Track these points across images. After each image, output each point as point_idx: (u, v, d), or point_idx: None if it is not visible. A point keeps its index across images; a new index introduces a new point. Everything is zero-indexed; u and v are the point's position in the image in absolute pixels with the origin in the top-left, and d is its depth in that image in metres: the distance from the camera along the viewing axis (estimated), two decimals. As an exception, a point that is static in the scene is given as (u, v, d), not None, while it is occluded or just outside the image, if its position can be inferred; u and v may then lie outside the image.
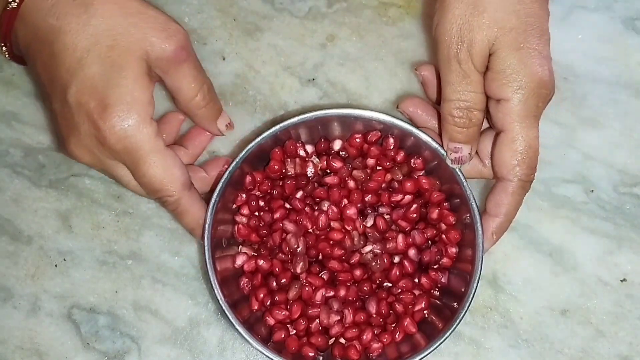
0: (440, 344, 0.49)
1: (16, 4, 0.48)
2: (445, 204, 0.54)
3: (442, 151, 0.52)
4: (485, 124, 0.53)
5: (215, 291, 0.50)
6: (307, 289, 0.52)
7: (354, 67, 0.60)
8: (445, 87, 0.50)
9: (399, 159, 0.54)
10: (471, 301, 0.50)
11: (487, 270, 0.51)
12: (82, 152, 0.49)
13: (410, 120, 0.55)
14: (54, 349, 0.55)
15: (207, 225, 0.50)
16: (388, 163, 0.54)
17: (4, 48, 0.51)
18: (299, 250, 0.52)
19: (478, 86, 0.49)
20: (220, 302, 0.50)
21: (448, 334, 0.49)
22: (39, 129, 0.59)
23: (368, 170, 0.54)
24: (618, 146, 0.58)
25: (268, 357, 0.50)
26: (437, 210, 0.53)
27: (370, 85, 0.59)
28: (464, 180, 0.51)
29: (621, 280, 0.56)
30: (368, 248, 0.53)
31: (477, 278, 0.50)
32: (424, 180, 0.53)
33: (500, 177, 0.51)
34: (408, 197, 0.54)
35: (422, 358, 0.49)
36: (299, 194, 0.53)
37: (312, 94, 0.59)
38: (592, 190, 0.58)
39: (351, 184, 0.54)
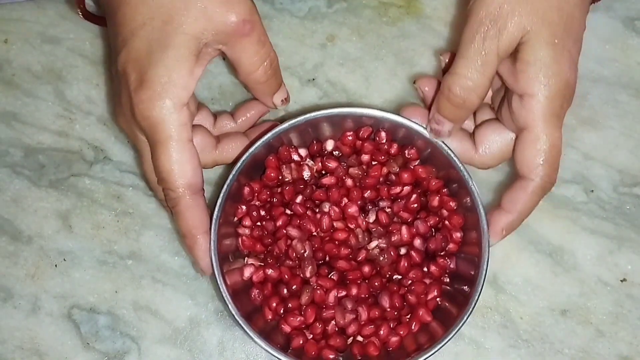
0: (462, 325, 0.49)
1: None
2: (444, 190, 0.54)
3: (435, 139, 0.52)
4: (490, 115, 0.53)
5: (230, 307, 0.50)
6: (318, 292, 0.52)
7: (354, 67, 0.60)
8: (457, 60, 0.48)
9: (392, 152, 0.54)
10: (484, 282, 0.50)
11: (487, 270, 0.51)
12: (120, 118, 0.50)
13: (423, 99, 0.55)
14: (54, 349, 0.55)
15: (212, 243, 0.50)
16: (383, 157, 0.54)
17: (78, 10, 0.54)
18: (306, 254, 0.52)
19: (489, 72, 0.48)
20: (236, 316, 0.50)
21: (467, 316, 0.50)
22: (39, 129, 0.59)
23: (364, 167, 0.54)
24: (618, 146, 0.58)
25: None
26: (437, 198, 0.53)
27: (370, 85, 0.59)
28: (460, 165, 0.51)
29: (621, 280, 0.56)
30: (374, 244, 0.53)
31: (487, 259, 0.50)
32: (420, 170, 0.54)
33: (521, 175, 0.50)
34: (407, 188, 0.54)
35: (445, 341, 0.50)
36: (299, 199, 0.53)
37: (312, 94, 0.59)
38: (592, 190, 0.58)
39: (349, 182, 0.54)
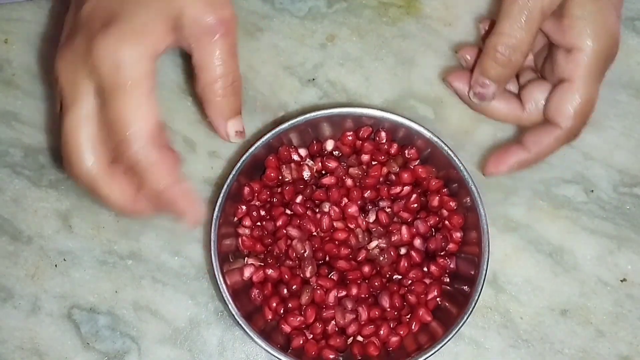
0: (462, 325, 0.50)
1: None
2: (444, 190, 0.54)
3: (435, 139, 0.52)
4: (533, 76, 0.53)
5: (230, 307, 0.50)
6: (318, 292, 0.52)
7: (354, 67, 0.60)
8: (501, 20, 0.48)
9: (392, 152, 0.54)
10: (484, 282, 0.50)
11: (487, 270, 0.51)
12: (61, 62, 0.43)
13: (456, 93, 0.54)
14: (54, 349, 0.55)
15: (212, 243, 0.50)
16: (382, 157, 0.54)
17: None
18: (306, 254, 0.52)
19: (534, 29, 0.48)
20: (236, 316, 0.50)
21: (467, 316, 0.50)
22: (39, 129, 0.59)
23: (364, 167, 0.54)
24: (618, 146, 0.58)
25: None
26: (437, 198, 0.53)
27: (370, 85, 0.59)
28: (460, 165, 0.51)
29: (621, 280, 0.56)
30: (374, 244, 0.53)
31: (487, 259, 0.50)
32: (420, 170, 0.54)
33: (550, 121, 0.50)
34: (407, 188, 0.54)
35: (445, 341, 0.50)
36: (299, 199, 0.53)
37: (312, 94, 0.59)
38: (592, 190, 0.58)
39: (349, 182, 0.54)
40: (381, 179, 0.54)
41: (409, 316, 0.53)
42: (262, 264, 0.54)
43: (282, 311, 0.53)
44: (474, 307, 0.50)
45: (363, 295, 0.53)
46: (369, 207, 0.54)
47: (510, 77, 0.50)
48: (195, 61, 0.45)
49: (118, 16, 0.42)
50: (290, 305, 0.52)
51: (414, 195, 0.54)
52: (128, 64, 0.42)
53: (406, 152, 0.54)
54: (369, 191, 0.54)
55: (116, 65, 0.41)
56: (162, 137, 0.43)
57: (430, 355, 0.50)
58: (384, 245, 0.53)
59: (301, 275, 0.53)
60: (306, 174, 0.55)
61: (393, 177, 0.54)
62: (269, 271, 0.53)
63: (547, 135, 0.50)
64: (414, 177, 0.54)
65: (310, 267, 0.52)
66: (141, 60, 0.42)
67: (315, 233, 0.53)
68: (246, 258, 0.54)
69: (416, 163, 0.55)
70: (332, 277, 0.53)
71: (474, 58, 0.53)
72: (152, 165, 0.43)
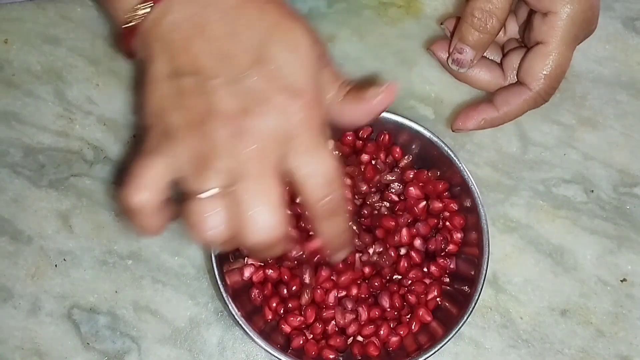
0: (462, 325, 0.50)
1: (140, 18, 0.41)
2: (445, 193, 0.54)
3: (435, 139, 0.52)
4: (513, 44, 0.53)
5: (230, 307, 0.50)
6: (318, 292, 0.52)
7: (354, 67, 0.60)
8: None
9: (395, 154, 0.54)
10: (484, 282, 0.50)
11: (487, 270, 0.51)
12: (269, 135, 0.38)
13: (441, 63, 0.56)
14: (54, 349, 0.55)
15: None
16: (381, 164, 0.54)
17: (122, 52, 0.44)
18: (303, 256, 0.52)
19: None
20: (236, 316, 0.50)
21: (467, 316, 0.50)
22: (39, 129, 0.59)
23: (362, 167, 0.54)
24: (618, 146, 0.58)
25: None
26: (440, 202, 0.53)
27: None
28: (460, 165, 0.51)
29: (621, 280, 0.56)
30: (371, 251, 0.53)
31: (487, 259, 0.51)
32: (425, 178, 0.54)
33: (521, 82, 0.51)
34: (417, 200, 0.54)
35: (445, 341, 0.50)
36: (298, 199, 0.53)
37: (312, 94, 0.59)
38: (592, 190, 0.58)
39: (347, 181, 0.54)
40: (379, 184, 0.55)
41: (409, 316, 0.53)
42: (262, 264, 0.54)
43: (282, 311, 0.53)
44: (474, 307, 0.50)
45: (363, 295, 0.53)
46: (367, 210, 0.54)
47: (488, 43, 0.51)
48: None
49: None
50: (290, 305, 0.52)
51: (423, 203, 0.53)
52: (323, 124, 0.40)
53: (406, 157, 0.54)
54: (366, 186, 0.54)
55: (321, 124, 0.40)
56: None
57: (430, 355, 0.50)
58: (381, 249, 0.53)
59: (300, 277, 0.53)
60: None
61: (396, 185, 0.54)
62: (269, 271, 0.53)
63: (516, 96, 0.51)
64: (423, 192, 0.54)
65: (309, 270, 0.52)
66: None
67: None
68: (246, 258, 0.54)
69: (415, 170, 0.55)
70: (332, 277, 0.53)
71: None
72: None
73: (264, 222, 0.38)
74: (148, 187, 0.38)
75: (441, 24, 0.56)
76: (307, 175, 0.39)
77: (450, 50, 0.51)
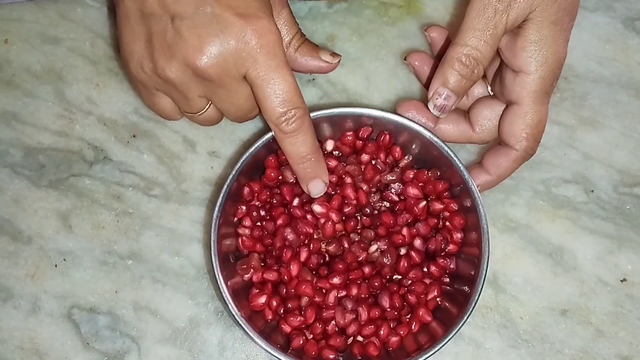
0: (462, 325, 0.50)
1: None
2: (445, 193, 0.54)
3: (435, 139, 0.52)
4: (481, 93, 0.53)
5: (230, 307, 0.50)
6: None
7: (354, 67, 0.60)
8: (466, 32, 0.49)
9: (395, 155, 0.54)
10: (484, 282, 0.50)
11: (487, 270, 0.51)
12: (214, 58, 0.47)
13: (415, 74, 0.56)
14: (54, 349, 0.55)
15: (212, 243, 0.50)
16: (381, 164, 0.54)
17: None
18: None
19: (496, 44, 0.49)
20: (236, 316, 0.50)
21: (467, 316, 0.50)
22: (39, 129, 0.59)
23: (362, 167, 0.54)
24: (618, 146, 0.58)
25: None
26: (440, 202, 0.53)
27: (370, 85, 0.59)
28: (460, 165, 0.51)
29: (621, 280, 0.56)
30: (373, 247, 0.53)
31: (487, 259, 0.51)
32: (425, 178, 0.54)
33: (505, 144, 0.51)
34: (417, 200, 0.54)
35: (445, 341, 0.50)
36: (296, 201, 0.53)
37: (312, 94, 0.59)
38: (592, 190, 0.58)
39: (348, 180, 0.54)
40: (379, 185, 0.55)
41: (409, 316, 0.53)
42: (262, 264, 0.54)
43: (282, 311, 0.53)
44: (474, 307, 0.50)
45: (363, 296, 0.53)
46: (368, 210, 0.54)
47: (468, 89, 0.51)
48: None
49: (241, 5, 0.46)
50: (290, 305, 0.52)
51: (423, 203, 0.53)
52: (274, 45, 0.47)
53: (406, 157, 0.54)
54: (365, 187, 0.54)
55: (268, 50, 0.46)
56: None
57: (430, 355, 0.50)
58: (384, 247, 0.53)
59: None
60: None
61: (396, 185, 0.54)
62: (269, 272, 0.53)
63: (504, 158, 0.51)
64: (422, 192, 0.54)
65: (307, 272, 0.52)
66: (279, 40, 0.47)
67: (316, 236, 0.53)
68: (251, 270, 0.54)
69: (416, 169, 0.55)
70: (334, 280, 0.53)
71: (441, 37, 0.55)
72: (307, 130, 0.49)
73: (239, 118, 0.52)
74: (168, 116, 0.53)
75: (405, 58, 0.56)
76: (264, 94, 0.47)
77: (431, 95, 0.51)
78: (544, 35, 0.48)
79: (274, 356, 0.50)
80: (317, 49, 0.53)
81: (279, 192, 0.54)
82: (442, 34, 0.56)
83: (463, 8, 0.58)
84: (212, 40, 0.46)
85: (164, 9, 0.46)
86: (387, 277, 0.53)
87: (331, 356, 0.52)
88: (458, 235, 0.54)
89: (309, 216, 0.53)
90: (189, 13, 0.46)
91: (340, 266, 0.52)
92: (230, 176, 0.51)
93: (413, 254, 0.53)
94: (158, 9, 0.46)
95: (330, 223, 0.53)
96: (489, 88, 0.54)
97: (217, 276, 0.50)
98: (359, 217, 0.54)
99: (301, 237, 0.53)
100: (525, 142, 0.51)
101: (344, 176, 0.54)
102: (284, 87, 0.47)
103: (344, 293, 0.53)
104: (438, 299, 0.53)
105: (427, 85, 0.54)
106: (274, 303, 0.52)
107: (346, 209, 0.53)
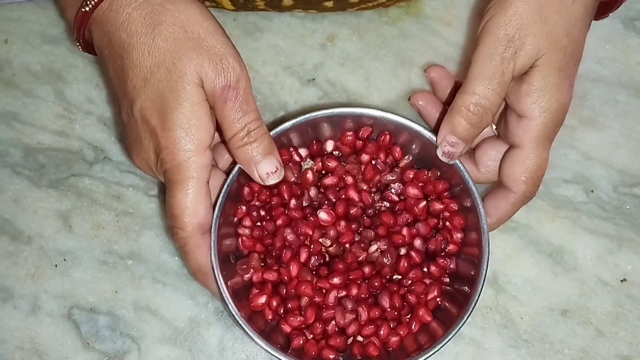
0: (462, 325, 0.50)
1: (89, 8, 0.48)
2: (445, 193, 0.54)
3: (435, 139, 0.52)
4: (487, 133, 0.53)
5: (230, 307, 0.50)
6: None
7: (354, 67, 0.60)
8: (474, 80, 0.48)
9: (395, 155, 0.54)
10: (484, 282, 0.50)
11: (487, 270, 0.51)
12: (142, 162, 0.50)
13: (419, 114, 0.57)
14: (54, 349, 0.55)
15: (212, 243, 0.50)
16: (381, 164, 0.54)
17: (77, 44, 0.52)
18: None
19: (504, 92, 0.49)
20: (236, 316, 0.50)
21: (467, 316, 0.50)
22: (39, 129, 0.59)
23: (362, 167, 0.54)
24: (618, 146, 0.58)
25: None
26: (440, 202, 0.53)
27: (370, 85, 0.59)
28: (460, 165, 0.51)
29: (621, 280, 0.56)
30: (374, 247, 0.53)
31: (487, 259, 0.51)
32: (425, 177, 0.54)
33: (505, 186, 0.51)
34: (417, 200, 0.54)
35: (445, 341, 0.50)
36: (293, 203, 0.53)
37: (312, 94, 0.59)
38: (592, 190, 0.58)
39: (349, 180, 0.54)
40: (379, 184, 0.55)
41: (409, 316, 0.53)
42: (262, 264, 0.54)
43: (282, 311, 0.53)
44: (474, 307, 0.50)
45: (363, 296, 0.53)
46: (370, 210, 0.54)
47: (477, 136, 0.51)
48: (218, 123, 0.50)
49: (165, 116, 0.47)
50: (290, 305, 0.52)
51: (423, 203, 0.53)
52: (184, 163, 0.47)
53: (406, 157, 0.54)
54: (366, 186, 0.54)
55: (175, 166, 0.48)
56: (207, 225, 0.49)
57: (430, 355, 0.50)
58: (385, 247, 0.53)
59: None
60: (309, 176, 0.55)
61: (397, 186, 0.54)
62: (269, 272, 0.53)
63: (504, 201, 0.51)
64: (422, 192, 0.54)
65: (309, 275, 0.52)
66: (193, 156, 0.47)
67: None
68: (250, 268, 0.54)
69: (416, 169, 0.55)
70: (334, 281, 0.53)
71: (441, 77, 0.56)
72: (187, 252, 0.50)
73: None
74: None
75: (409, 98, 0.57)
76: (167, 200, 0.49)
77: (439, 142, 0.51)
78: (549, 82, 0.48)
79: (274, 356, 0.50)
80: (261, 156, 0.50)
81: (277, 192, 0.54)
82: (442, 73, 0.57)
83: (463, 8, 0.58)
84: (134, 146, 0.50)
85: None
86: (387, 277, 0.53)
87: (331, 356, 0.51)
88: (458, 235, 0.54)
89: (311, 217, 0.53)
90: (125, 121, 0.50)
91: (340, 266, 0.52)
92: (230, 176, 0.51)
93: (413, 254, 0.53)
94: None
95: (334, 231, 0.53)
96: (494, 127, 0.54)
97: (217, 276, 0.50)
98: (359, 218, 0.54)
99: (300, 237, 0.53)
100: (524, 186, 0.50)
101: (344, 176, 0.54)
102: (173, 202, 0.48)
103: (344, 293, 0.52)
104: (438, 299, 0.53)
105: (435, 129, 0.54)
106: (274, 303, 0.52)
107: (352, 210, 0.53)
